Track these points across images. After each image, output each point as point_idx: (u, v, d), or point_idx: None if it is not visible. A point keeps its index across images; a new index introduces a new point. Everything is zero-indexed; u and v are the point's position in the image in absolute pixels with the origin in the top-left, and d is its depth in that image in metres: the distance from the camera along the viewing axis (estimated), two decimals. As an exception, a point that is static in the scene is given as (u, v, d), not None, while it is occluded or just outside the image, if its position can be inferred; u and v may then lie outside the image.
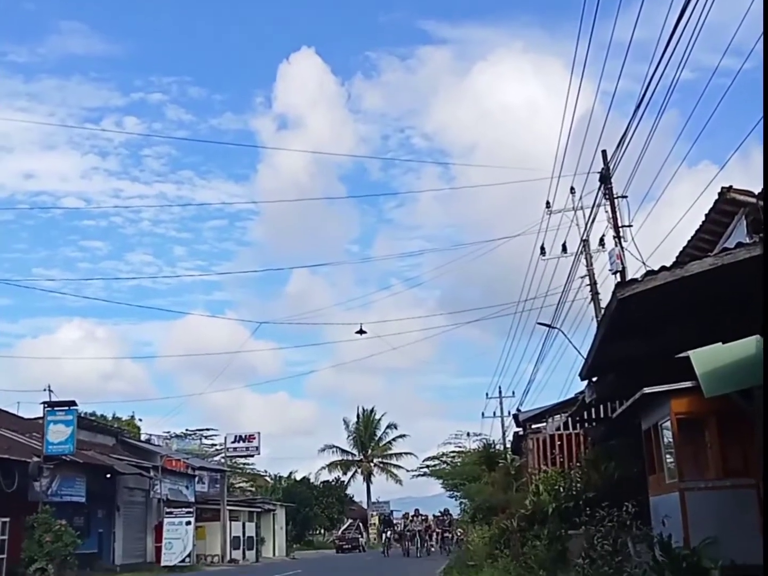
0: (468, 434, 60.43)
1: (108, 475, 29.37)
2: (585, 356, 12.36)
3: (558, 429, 19.52)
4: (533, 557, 13.81)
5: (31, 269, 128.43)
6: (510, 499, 19.51)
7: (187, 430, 62.62)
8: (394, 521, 48.97)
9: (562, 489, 14.28)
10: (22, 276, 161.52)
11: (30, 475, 22.88)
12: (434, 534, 41.48)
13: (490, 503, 23.30)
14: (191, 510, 33.42)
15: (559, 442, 18.48)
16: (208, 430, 64.27)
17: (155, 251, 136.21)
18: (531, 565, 13.64)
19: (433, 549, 39.45)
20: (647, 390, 10.36)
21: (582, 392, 17.61)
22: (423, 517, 39.42)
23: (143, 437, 49.18)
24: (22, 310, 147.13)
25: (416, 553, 35.90)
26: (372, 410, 74.79)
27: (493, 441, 42.89)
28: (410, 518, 39.30)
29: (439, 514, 44.31)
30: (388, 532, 44.46)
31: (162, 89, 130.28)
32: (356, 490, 74.56)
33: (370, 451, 73.88)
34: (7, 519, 21.09)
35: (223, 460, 50.59)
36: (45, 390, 26.91)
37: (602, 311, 20.49)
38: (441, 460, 65.55)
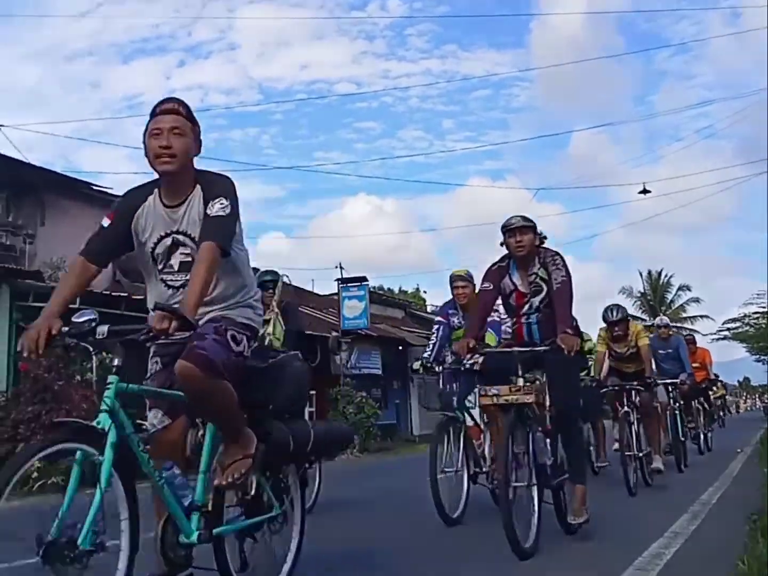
0: (773, 293, 55.15)
1: (400, 347, 29.74)
2: None
3: None
4: None
5: (313, 153, 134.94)
6: None
7: (466, 301, 62.75)
8: None
9: None
10: (305, 161, 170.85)
11: (330, 349, 23.31)
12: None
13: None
14: (480, 381, 33.08)
15: None
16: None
17: (425, 126, 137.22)
18: None
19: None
20: None
21: None
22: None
23: (428, 309, 49.85)
24: (310, 192, 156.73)
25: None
26: (660, 272, 70.94)
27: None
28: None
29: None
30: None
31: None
32: (649, 358, 71.69)
33: (661, 315, 70.50)
34: (314, 392, 21.62)
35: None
36: (336, 267, 27.44)
37: None
38: (743, 323, 60.64)
